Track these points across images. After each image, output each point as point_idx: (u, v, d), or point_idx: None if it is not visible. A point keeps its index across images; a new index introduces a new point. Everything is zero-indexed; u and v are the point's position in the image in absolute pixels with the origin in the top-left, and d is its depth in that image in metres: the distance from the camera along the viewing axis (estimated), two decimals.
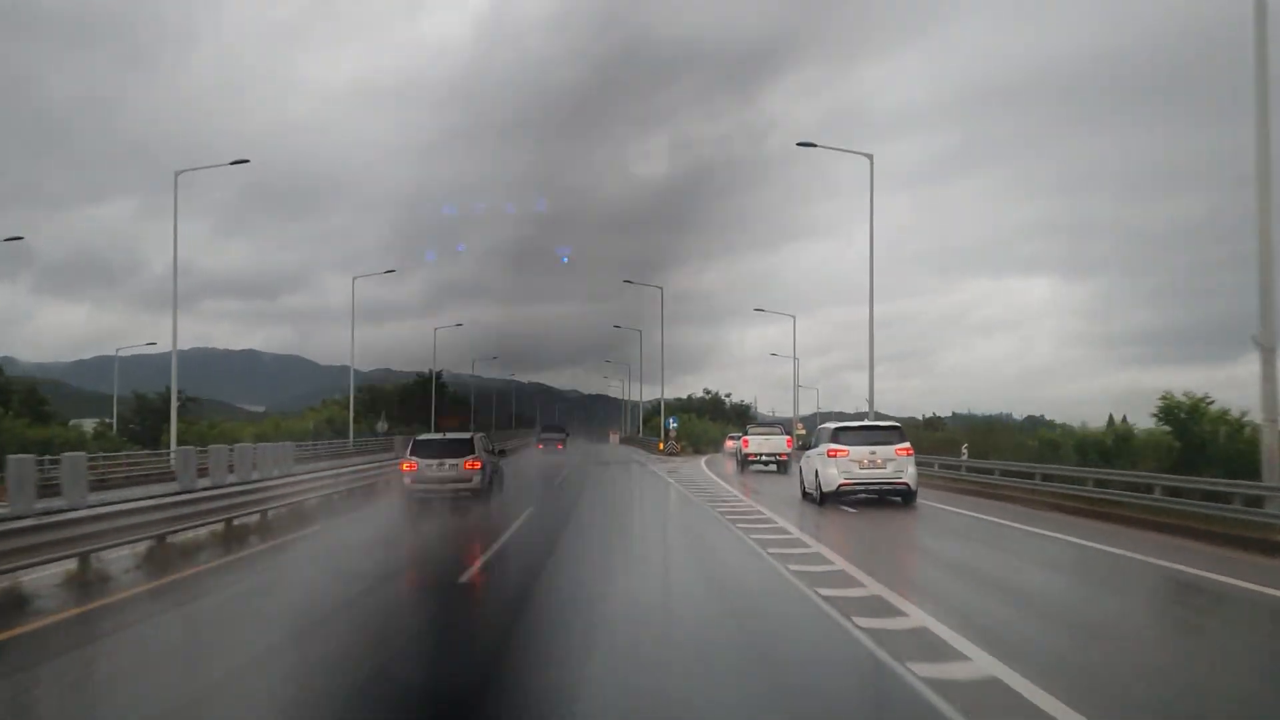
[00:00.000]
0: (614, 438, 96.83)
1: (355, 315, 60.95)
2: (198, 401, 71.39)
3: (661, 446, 60.22)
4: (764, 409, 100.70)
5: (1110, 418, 29.54)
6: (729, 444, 53.93)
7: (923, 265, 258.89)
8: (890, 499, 20.55)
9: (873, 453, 19.97)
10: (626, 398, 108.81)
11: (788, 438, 39.18)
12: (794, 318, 69.00)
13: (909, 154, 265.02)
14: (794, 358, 70.90)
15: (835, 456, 20.09)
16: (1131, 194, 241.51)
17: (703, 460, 49.78)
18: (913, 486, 20.13)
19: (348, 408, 71.12)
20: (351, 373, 65.90)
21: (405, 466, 21.56)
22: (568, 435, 70.98)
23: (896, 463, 19.98)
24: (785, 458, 36.89)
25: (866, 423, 24.56)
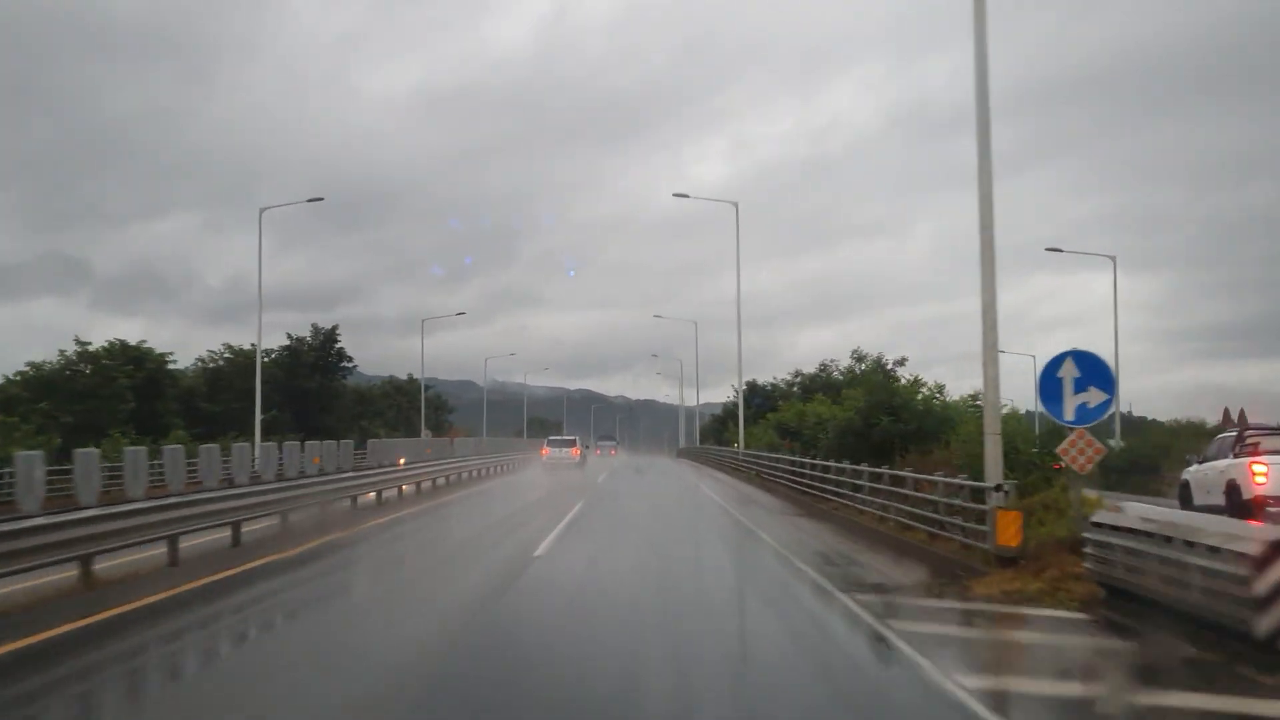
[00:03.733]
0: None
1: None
2: None
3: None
4: None
5: None
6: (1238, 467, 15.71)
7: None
8: None
9: None
10: (692, 402, 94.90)
11: None
12: (1114, 259, 42.27)
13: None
14: None
15: None
16: (1203, 184, 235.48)
17: None
18: None
19: None
20: None
21: (543, 451, 49.52)
22: (616, 443, 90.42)
23: None
24: None
25: None
